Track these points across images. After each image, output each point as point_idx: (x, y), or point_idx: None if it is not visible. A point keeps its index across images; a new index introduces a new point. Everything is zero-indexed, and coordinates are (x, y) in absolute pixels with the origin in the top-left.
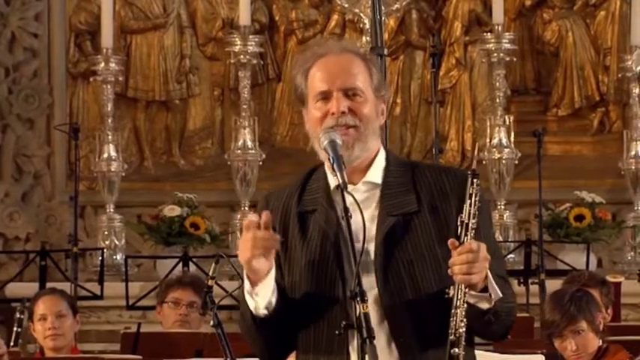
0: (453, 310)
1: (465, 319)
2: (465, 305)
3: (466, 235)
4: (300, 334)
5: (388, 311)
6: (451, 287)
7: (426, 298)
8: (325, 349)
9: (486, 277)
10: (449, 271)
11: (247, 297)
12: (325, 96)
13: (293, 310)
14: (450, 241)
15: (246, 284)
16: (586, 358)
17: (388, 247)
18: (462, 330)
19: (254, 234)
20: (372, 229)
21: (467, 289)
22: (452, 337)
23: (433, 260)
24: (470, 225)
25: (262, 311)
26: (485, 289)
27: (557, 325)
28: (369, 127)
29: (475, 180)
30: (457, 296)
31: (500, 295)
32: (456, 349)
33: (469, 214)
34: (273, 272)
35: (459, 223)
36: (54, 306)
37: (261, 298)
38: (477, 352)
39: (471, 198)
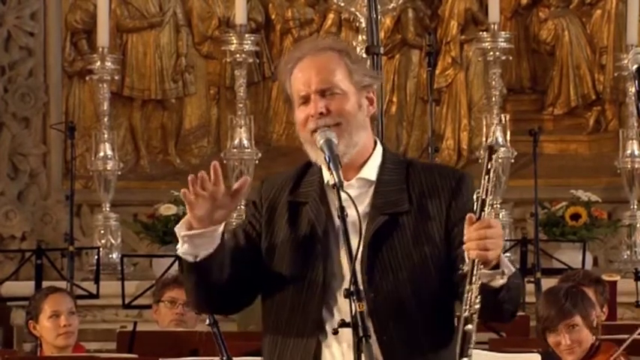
0: (467, 287)
1: (479, 296)
2: (480, 282)
3: (482, 210)
4: (271, 315)
5: (373, 309)
6: (465, 263)
7: (411, 297)
8: (296, 334)
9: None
10: (463, 247)
11: (180, 240)
12: (305, 100)
13: (253, 279)
14: (468, 215)
15: (183, 228)
16: (579, 354)
17: (376, 245)
18: (477, 307)
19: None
20: (362, 226)
21: (481, 266)
22: (466, 314)
23: (420, 260)
24: (487, 201)
25: (191, 258)
26: (496, 267)
27: (552, 319)
28: (352, 121)
29: (494, 155)
30: (472, 272)
31: (513, 270)
32: (470, 326)
33: (486, 189)
34: (219, 229)
35: (474, 199)
36: (66, 303)
37: (196, 247)
38: (474, 351)
39: (488, 173)
